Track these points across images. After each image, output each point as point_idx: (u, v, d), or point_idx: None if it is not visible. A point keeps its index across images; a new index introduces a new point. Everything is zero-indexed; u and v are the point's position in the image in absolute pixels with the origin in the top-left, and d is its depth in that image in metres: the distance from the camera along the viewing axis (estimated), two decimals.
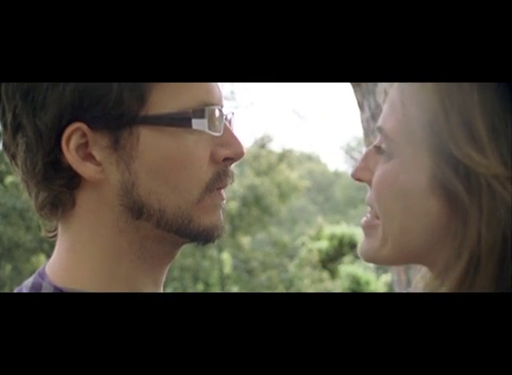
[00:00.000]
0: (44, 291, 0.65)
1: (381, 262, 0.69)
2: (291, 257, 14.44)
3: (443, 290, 0.61)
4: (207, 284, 12.66)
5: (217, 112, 0.66)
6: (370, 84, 2.67)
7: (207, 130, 0.64)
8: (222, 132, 0.67)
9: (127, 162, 0.63)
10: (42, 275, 0.67)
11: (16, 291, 0.68)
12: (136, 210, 0.64)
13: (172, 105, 0.63)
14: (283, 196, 14.56)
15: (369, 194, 0.70)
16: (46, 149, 0.63)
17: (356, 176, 0.70)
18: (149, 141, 0.63)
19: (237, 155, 0.67)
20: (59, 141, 0.63)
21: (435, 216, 0.62)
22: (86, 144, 0.63)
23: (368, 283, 13.45)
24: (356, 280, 13.53)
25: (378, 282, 13.70)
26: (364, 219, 0.71)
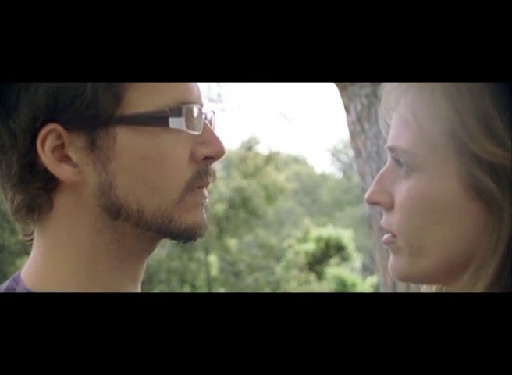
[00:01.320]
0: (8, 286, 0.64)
1: (417, 278, 0.67)
2: (278, 259, 14.45)
3: (478, 289, 0.60)
4: (194, 286, 12.61)
5: (195, 111, 0.65)
6: (356, 88, 2.69)
7: (184, 129, 0.64)
8: (201, 131, 0.66)
9: (104, 163, 0.63)
10: (17, 280, 0.66)
11: None
12: (114, 211, 0.63)
13: (149, 104, 0.63)
14: (270, 198, 14.58)
15: (384, 218, 0.67)
16: (21, 152, 0.62)
17: (372, 201, 0.67)
18: (126, 141, 0.62)
19: (217, 153, 0.66)
20: (34, 143, 0.62)
21: (473, 218, 0.62)
22: (62, 146, 0.62)
23: (354, 285, 13.50)
24: (342, 282, 13.57)
25: (365, 284, 13.75)
26: (384, 237, 0.68)
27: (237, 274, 13.16)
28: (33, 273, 0.65)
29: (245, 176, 14.13)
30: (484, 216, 0.62)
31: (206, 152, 0.66)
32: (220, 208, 12.78)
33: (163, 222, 0.64)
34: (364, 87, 2.66)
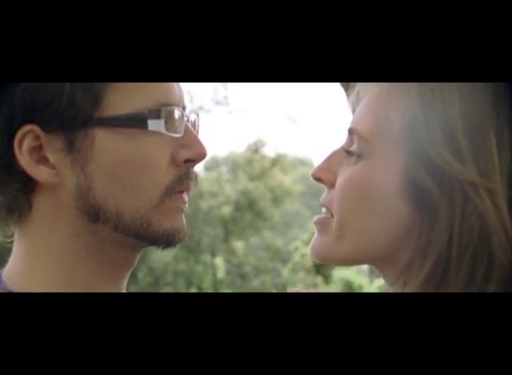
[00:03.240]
0: None
1: (335, 260, 0.69)
2: (284, 262, 14.41)
3: (407, 289, 0.62)
4: (200, 289, 12.60)
5: (176, 113, 0.64)
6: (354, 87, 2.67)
7: (163, 131, 0.63)
8: (182, 133, 0.65)
9: (82, 165, 0.62)
10: None
11: None
12: (93, 214, 0.63)
13: (128, 106, 0.62)
14: (277, 201, 14.54)
15: (325, 195, 0.69)
16: None
17: (317, 176, 0.69)
18: (105, 143, 0.62)
19: (199, 156, 0.66)
20: (12, 144, 0.61)
21: (400, 217, 0.62)
22: (40, 147, 0.62)
23: (360, 287, 13.45)
24: (349, 285, 13.52)
25: (371, 286, 13.70)
26: (318, 216, 0.70)
27: (244, 277, 13.14)
28: (13, 274, 0.65)
29: (251, 178, 14.11)
30: (412, 218, 0.62)
31: (187, 155, 0.65)
32: (226, 210, 12.77)
33: (141, 225, 0.63)
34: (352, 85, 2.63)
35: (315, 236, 0.70)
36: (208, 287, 12.73)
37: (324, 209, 0.70)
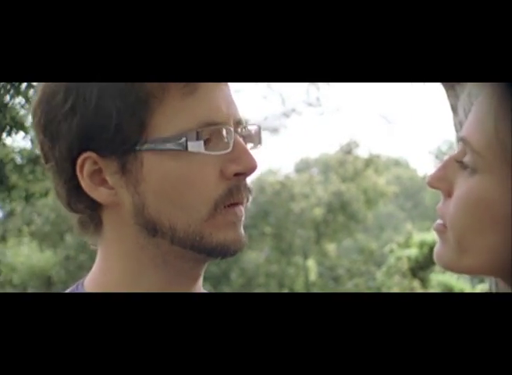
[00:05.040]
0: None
1: (458, 271, 0.70)
2: (379, 264, 14.15)
3: None
4: (292, 291, 12.64)
5: (224, 131, 0.67)
6: (465, 87, 2.56)
7: (203, 151, 0.66)
8: (231, 148, 0.67)
9: (135, 185, 0.67)
10: (80, 284, 0.72)
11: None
12: (151, 228, 0.68)
13: (172, 128, 0.66)
14: (370, 202, 14.31)
15: (441, 204, 0.69)
16: (66, 177, 0.68)
17: (432, 185, 0.69)
18: (152, 164, 0.67)
19: (248, 169, 0.68)
20: (75, 170, 0.68)
21: None
22: (100, 170, 0.67)
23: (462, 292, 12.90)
24: (449, 289, 13.00)
25: (474, 291, 13.09)
26: (436, 223, 0.70)
27: (336, 279, 13.02)
28: (90, 281, 0.72)
29: (344, 180, 13.97)
30: None
31: (236, 169, 0.67)
32: (318, 212, 12.70)
33: (194, 238, 0.67)
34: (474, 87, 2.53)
35: (438, 243, 0.70)
36: (299, 289, 12.73)
37: (440, 219, 0.70)
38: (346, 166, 14.40)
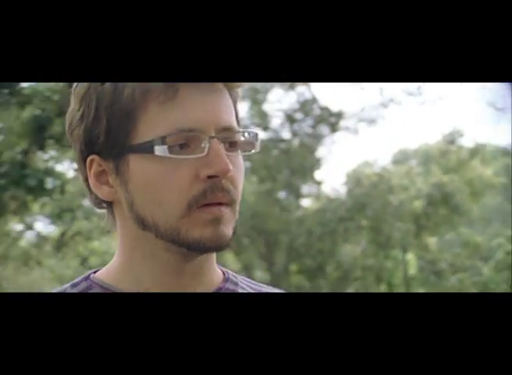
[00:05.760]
0: (79, 279, 0.82)
1: None
2: (485, 259, 13.41)
3: None
4: (390, 285, 12.35)
5: (200, 136, 0.75)
6: None
7: (168, 155, 0.74)
8: (206, 152, 0.75)
9: (125, 185, 0.77)
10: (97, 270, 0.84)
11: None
12: (140, 223, 0.77)
13: (152, 134, 0.75)
14: (475, 194, 13.59)
15: None
16: (83, 176, 0.80)
17: None
18: (135, 167, 0.76)
19: (219, 172, 0.75)
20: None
21: None
22: (104, 171, 0.78)
23: None
24: None
25: None
26: None
27: (439, 274, 12.54)
28: (104, 268, 0.83)
29: (446, 171, 13.38)
30: None
31: (208, 172, 0.75)
32: (418, 204, 12.30)
33: (172, 233, 0.75)
34: None
35: None
36: (398, 284, 12.41)
37: None
38: (448, 156, 13.78)
